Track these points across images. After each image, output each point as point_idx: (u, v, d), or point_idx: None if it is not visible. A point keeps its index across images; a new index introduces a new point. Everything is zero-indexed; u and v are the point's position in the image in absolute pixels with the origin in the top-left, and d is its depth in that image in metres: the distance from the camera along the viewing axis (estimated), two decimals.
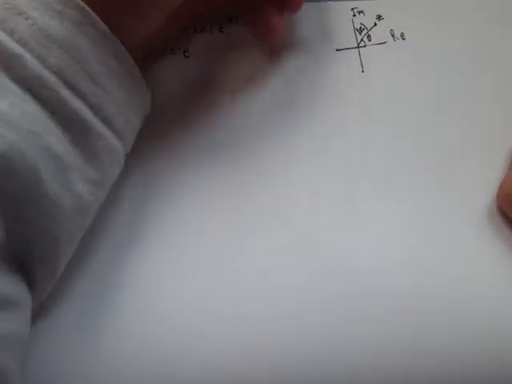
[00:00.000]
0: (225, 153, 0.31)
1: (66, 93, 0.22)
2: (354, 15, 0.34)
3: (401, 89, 0.32)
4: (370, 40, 0.33)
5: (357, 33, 0.33)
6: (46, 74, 0.22)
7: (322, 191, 0.30)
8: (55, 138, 0.22)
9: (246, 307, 0.27)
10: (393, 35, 0.33)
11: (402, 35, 0.33)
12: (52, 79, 0.22)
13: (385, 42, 0.33)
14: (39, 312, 0.26)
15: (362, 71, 0.32)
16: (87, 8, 0.23)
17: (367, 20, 0.34)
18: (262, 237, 0.29)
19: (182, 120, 0.31)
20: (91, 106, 0.23)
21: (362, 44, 0.33)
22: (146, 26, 0.26)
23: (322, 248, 0.29)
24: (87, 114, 0.23)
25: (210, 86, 0.32)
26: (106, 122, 0.24)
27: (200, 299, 0.27)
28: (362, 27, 0.34)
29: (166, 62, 0.32)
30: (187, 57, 0.33)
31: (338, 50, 0.33)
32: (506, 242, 0.29)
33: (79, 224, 0.24)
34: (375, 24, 0.34)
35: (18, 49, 0.21)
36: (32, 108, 0.22)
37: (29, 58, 0.21)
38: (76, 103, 0.23)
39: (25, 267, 0.23)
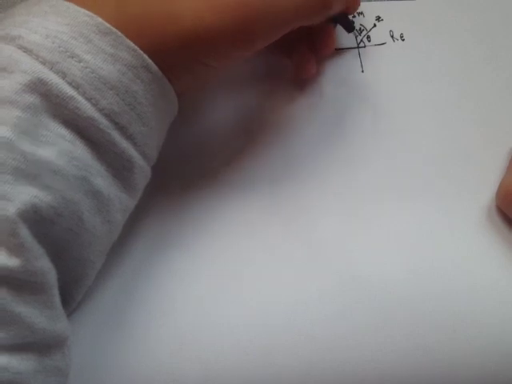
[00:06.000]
0: (227, 159, 0.30)
1: (115, 134, 0.23)
2: (354, 16, 0.34)
3: (400, 89, 0.32)
4: (369, 41, 0.33)
5: (357, 33, 0.34)
6: (98, 117, 0.22)
7: (320, 191, 0.30)
8: (100, 177, 0.23)
9: (249, 312, 0.27)
10: (392, 36, 0.34)
11: (402, 36, 0.33)
12: (103, 121, 0.22)
13: (384, 43, 0.33)
14: None
15: (362, 71, 0.33)
16: (139, 50, 0.23)
17: (367, 21, 0.34)
18: (263, 241, 0.29)
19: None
20: (135, 143, 0.24)
21: (361, 45, 0.33)
22: (199, 81, 0.26)
23: (321, 249, 0.29)
24: (132, 152, 0.24)
25: (211, 88, 0.32)
26: (145, 154, 0.24)
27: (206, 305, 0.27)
28: (362, 28, 0.34)
29: None
30: None
31: (337, 49, 0.33)
32: (505, 241, 0.29)
33: (110, 244, 0.25)
34: (375, 25, 0.34)
35: (70, 91, 0.21)
36: (79, 151, 0.22)
37: (81, 100, 0.21)
38: (124, 143, 0.23)
39: (63, 288, 0.23)
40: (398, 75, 0.33)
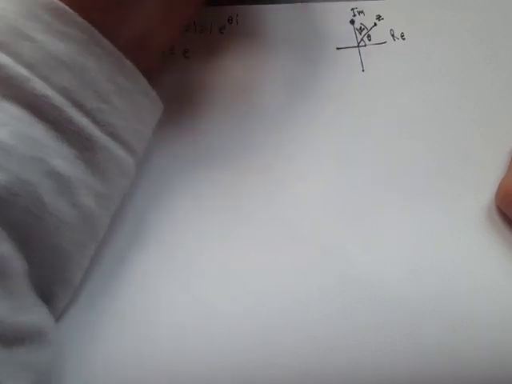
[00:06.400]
0: (224, 154, 0.30)
1: (72, 111, 0.22)
2: (354, 15, 0.34)
3: (401, 88, 0.32)
4: (370, 40, 0.33)
5: (357, 32, 0.33)
6: (53, 94, 0.22)
7: (320, 190, 0.30)
8: (59, 158, 0.22)
9: (249, 311, 0.27)
10: (393, 35, 0.33)
11: (402, 35, 0.33)
12: (58, 99, 0.22)
13: (385, 42, 0.33)
14: None
15: (363, 70, 0.33)
16: (90, 26, 0.22)
17: (367, 20, 0.34)
18: (261, 238, 0.29)
19: (182, 120, 0.31)
20: (98, 123, 0.23)
21: (362, 44, 0.33)
22: (143, 18, 0.25)
23: (322, 249, 0.28)
24: (93, 131, 0.23)
25: (210, 86, 0.32)
26: (114, 135, 0.24)
27: (203, 300, 0.27)
28: (362, 27, 0.34)
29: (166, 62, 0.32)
30: (187, 57, 0.32)
31: (338, 48, 0.33)
32: (504, 242, 0.29)
33: (90, 235, 0.25)
34: (375, 24, 0.34)
35: (23, 71, 0.21)
36: (36, 131, 0.22)
37: (35, 79, 0.21)
38: (82, 121, 0.23)
39: (41, 283, 0.23)
40: (398, 74, 0.32)
